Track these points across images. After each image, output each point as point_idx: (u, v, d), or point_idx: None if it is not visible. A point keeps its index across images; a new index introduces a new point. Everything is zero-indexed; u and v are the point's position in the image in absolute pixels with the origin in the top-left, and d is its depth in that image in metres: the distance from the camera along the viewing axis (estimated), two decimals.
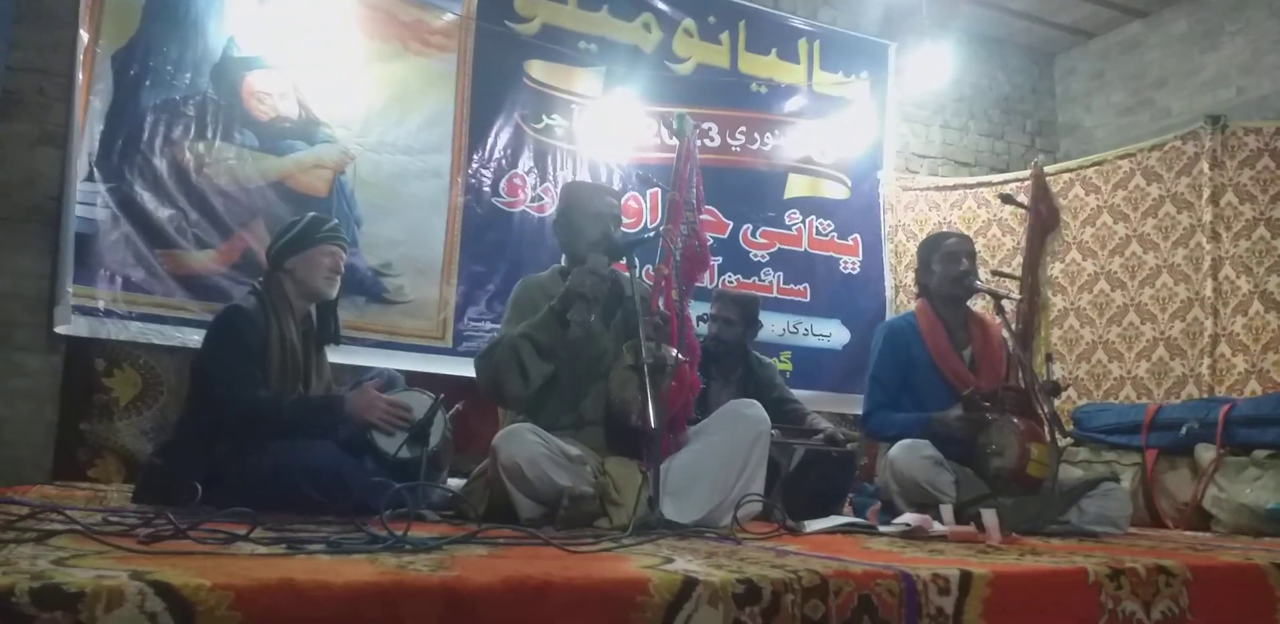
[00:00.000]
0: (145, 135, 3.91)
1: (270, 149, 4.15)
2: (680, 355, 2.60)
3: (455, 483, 2.84)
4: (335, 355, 3.18)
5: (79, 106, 3.78)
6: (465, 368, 4.01)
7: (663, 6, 5.14)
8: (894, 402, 3.32)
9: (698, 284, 3.09)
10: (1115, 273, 4.97)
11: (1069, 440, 4.34)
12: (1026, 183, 5.27)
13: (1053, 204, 3.76)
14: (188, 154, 3.97)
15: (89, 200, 3.76)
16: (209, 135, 4.03)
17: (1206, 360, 4.49)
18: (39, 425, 3.69)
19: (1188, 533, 3.64)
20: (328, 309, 2.97)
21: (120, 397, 3.77)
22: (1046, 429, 3.03)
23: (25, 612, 1.08)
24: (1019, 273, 3.67)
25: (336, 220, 2.99)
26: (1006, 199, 3.66)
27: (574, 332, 2.63)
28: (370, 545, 1.65)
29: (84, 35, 3.83)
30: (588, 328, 2.65)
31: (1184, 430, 3.98)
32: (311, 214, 2.99)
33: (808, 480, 3.17)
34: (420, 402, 2.78)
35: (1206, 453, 3.89)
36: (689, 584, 1.40)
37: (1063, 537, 2.83)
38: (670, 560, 1.65)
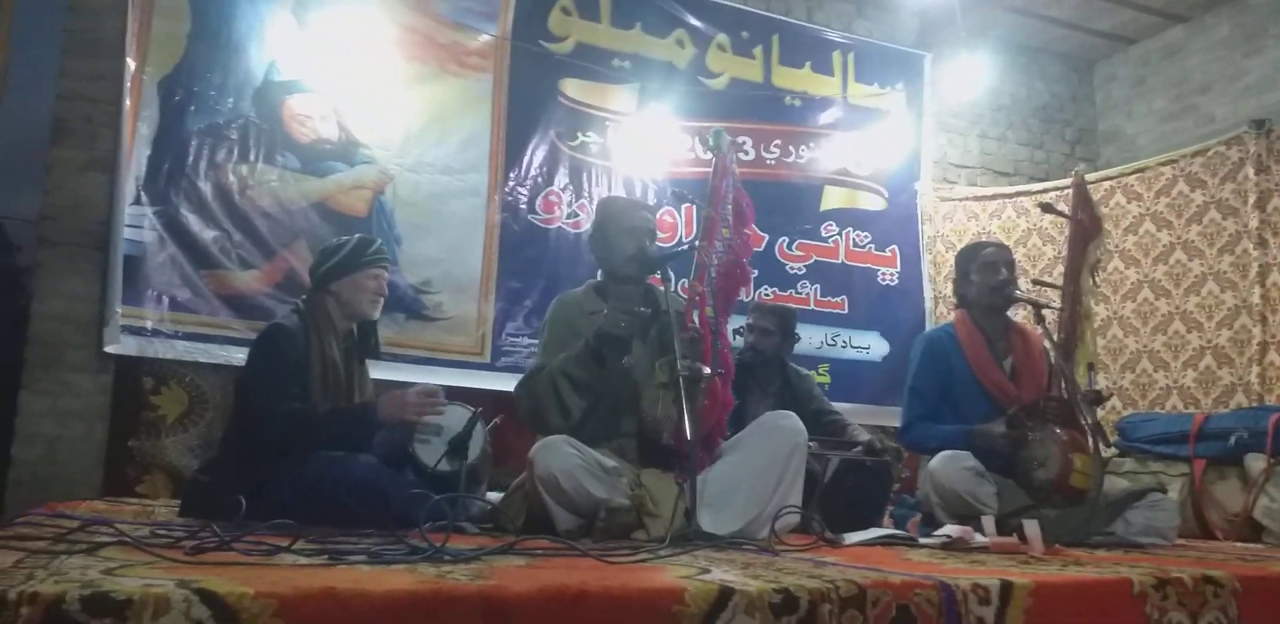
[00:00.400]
0: (190, 159, 3.99)
1: (311, 171, 4.22)
2: (714, 370, 2.60)
3: (494, 497, 2.86)
4: (376, 371, 3.23)
5: (126, 133, 3.88)
6: (504, 383, 4.08)
7: (696, 22, 5.17)
8: (934, 413, 3.29)
9: (737, 299, 3.08)
10: (1159, 281, 4.90)
11: (1113, 450, 4.28)
12: (1067, 191, 5.21)
13: (1094, 212, 3.72)
14: (231, 177, 4.05)
15: (136, 223, 3.85)
16: (251, 158, 4.11)
17: (1255, 368, 4.41)
18: (90, 444, 3.77)
19: (1238, 544, 3.57)
20: (368, 324, 3.02)
21: (167, 414, 3.85)
22: (1090, 440, 2.99)
23: (76, 618, 1.11)
24: (1060, 282, 3.63)
25: (380, 240, 3.04)
26: (1047, 208, 3.62)
27: (610, 366, 2.65)
28: (410, 556, 1.67)
29: (131, 63, 3.93)
30: (627, 365, 2.68)
31: (1233, 440, 3.90)
32: (358, 236, 3.03)
33: (844, 491, 3.15)
34: (459, 416, 2.81)
35: (1256, 463, 3.82)
36: (725, 594, 1.41)
37: (1108, 548, 2.79)
38: (707, 571, 1.65)
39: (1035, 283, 3.78)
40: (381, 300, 2.97)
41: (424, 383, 3.21)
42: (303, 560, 1.62)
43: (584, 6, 4.90)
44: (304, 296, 2.97)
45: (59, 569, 1.37)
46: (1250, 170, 4.57)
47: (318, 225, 4.16)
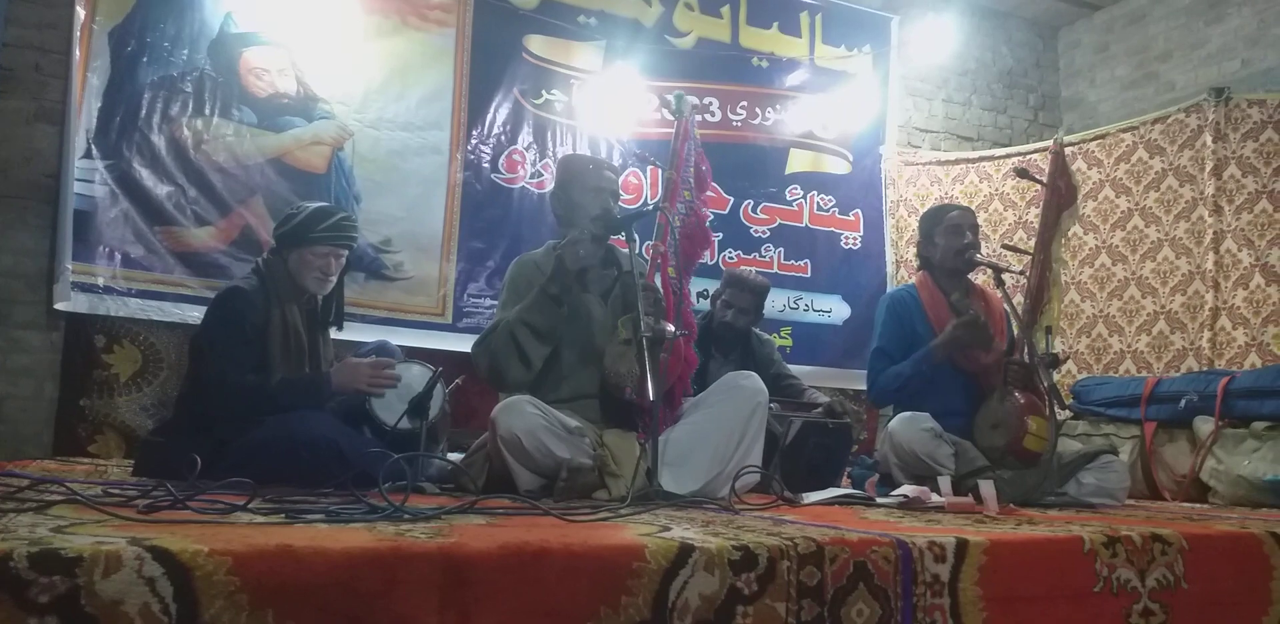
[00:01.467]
0: (143, 112, 3.90)
1: (268, 126, 4.14)
2: (678, 330, 2.60)
3: (455, 457, 2.85)
4: (335, 332, 3.18)
5: (76, 83, 3.77)
6: (465, 344, 4.00)
7: None
8: None
9: (699, 261, 3.08)
10: (1117, 247, 4.96)
11: (1068, 413, 4.35)
12: (1030, 157, 5.25)
13: (1071, 180, 3.75)
14: (186, 131, 3.96)
15: (87, 177, 3.76)
16: (207, 112, 4.02)
17: (1207, 333, 4.49)
18: (40, 402, 3.71)
19: (1185, 505, 3.66)
20: (334, 290, 2.95)
21: (120, 373, 3.79)
22: (1046, 402, 3.03)
23: (24, 576, 1.09)
24: (1026, 247, 3.65)
25: (342, 215, 2.86)
26: (1022, 173, 3.62)
27: (570, 312, 2.63)
28: (369, 515, 1.66)
29: (80, 12, 3.81)
30: (583, 309, 2.66)
31: (1183, 403, 3.98)
32: (315, 205, 2.88)
33: (805, 452, 3.18)
34: (419, 374, 2.79)
35: (1205, 425, 3.90)
36: (685, 551, 1.41)
37: (1060, 508, 2.84)
38: (667, 529, 1.66)
39: (1005, 247, 3.79)
40: (330, 280, 2.83)
41: (380, 340, 3.20)
42: (259, 519, 1.60)
43: None
44: (264, 256, 2.90)
45: (6, 527, 1.34)
46: (1208, 138, 4.61)
47: (274, 182, 4.09)
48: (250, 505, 1.72)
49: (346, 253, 2.87)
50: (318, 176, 4.19)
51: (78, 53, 3.79)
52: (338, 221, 2.81)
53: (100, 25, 3.87)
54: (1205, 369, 4.35)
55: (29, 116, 3.79)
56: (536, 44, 4.76)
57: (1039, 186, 3.89)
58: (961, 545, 1.65)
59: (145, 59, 3.93)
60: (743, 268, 4.48)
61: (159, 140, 3.91)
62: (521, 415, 2.40)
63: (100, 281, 3.73)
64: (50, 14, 3.83)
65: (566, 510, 1.88)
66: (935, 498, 2.56)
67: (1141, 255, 4.86)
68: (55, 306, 3.67)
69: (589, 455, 2.41)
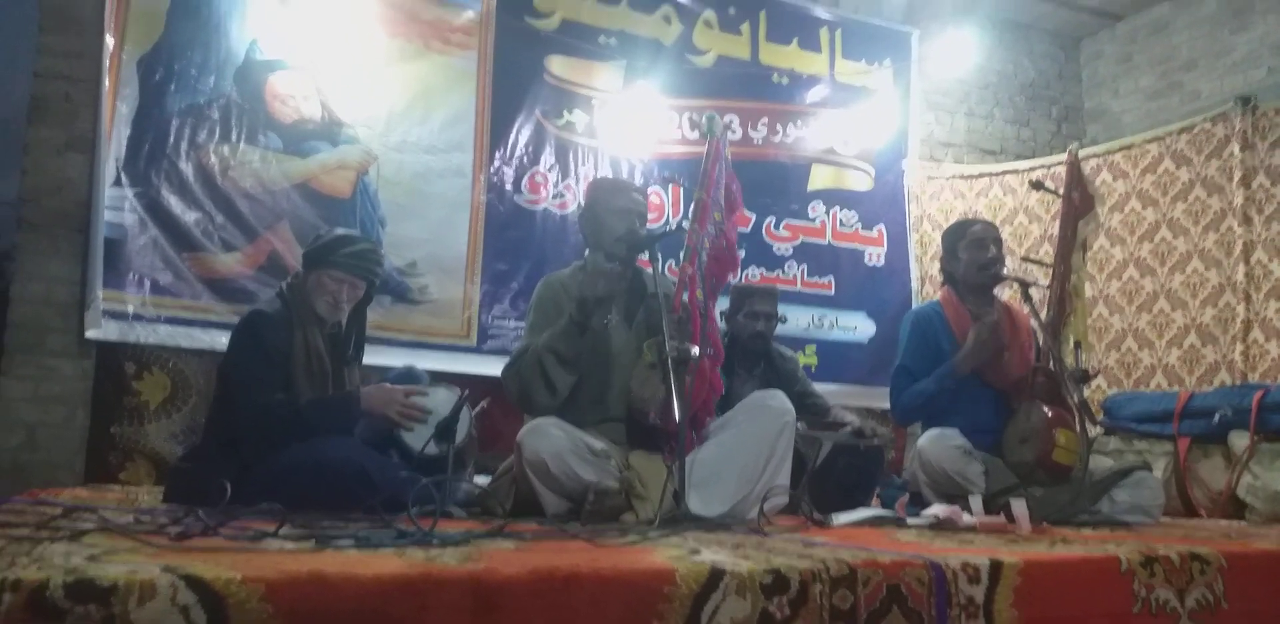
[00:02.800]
0: (171, 139, 3.94)
1: (294, 151, 4.18)
2: (703, 352, 2.59)
3: (482, 480, 2.85)
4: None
5: (106, 112, 3.83)
6: (490, 366, 4.05)
7: None
8: None
9: (726, 283, 3.07)
10: (1144, 259, 4.91)
11: (1099, 429, 4.30)
12: (1054, 169, 5.21)
13: (1086, 190, 3.73)
14: (213, 157, 4.00)
15: (117, 205, 3.81)
16: (233, 138, 4.06)
17: (1239, 346, 4.42)
18: (71, 429, 3.74)
19: (1222, 522, 3.60)
20: (355, 322, 2.95)
21: (150, 400, 3.82)
22: (1076, 418, 3.00)
23: (60, 605, 1.10)
24: (1048, 260, 3.63)
25: (363, 244, 2.84)
26: (1037, 185, 3.61)
27: (595, 336, 2.63)
28: (398, 540, 1.66)
29: (110, 41, 3.87)
30: (610, 326, 2.66)
31: (1217, 418, 3.92)
32: (339, 231, 2.88)
33: (835, 474, 3.15)
34: (445, 398, 2.79)
35: (1240, 440, 3.84)
36: (716, 574, 1.41)
37: (1094, 526, 2.80)
38: (697, 552, 1.65)
39: (1025, 260, 3.77)
40: (341, 307, 2.80)
41: (408, 364, 3.21)
42: (289, 545, 1.60)
43: None
44: (288, 280, 2.91)
45: (42, 556, 1.35)
46: (1236, 147, 4.57)
47: (301, 207, 4.13)
48: (280, 531, 1.73)
49: (365, 286, 2.86)
50: (343, 201, 4.22)
51: (107, 82, 3.84)
52: (360, 250, 2.80)
53: (129, 54, 3.92)
54: (1239, 383, 4.29)
55: (60, 146, 3.85)
56: (557, 65, 4.79)
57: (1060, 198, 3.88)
58: (996, 566, 1.63)
59: (173, 87, 3.98)
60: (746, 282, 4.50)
61: (187, 167, 3.95)
62: (547, 438, 2.40)
63: (130, 309, 3.76)
64: (80, 43, 3.89)
65: (595, 534, 1.87)
66: (967, 517, 2.53)
67: (1170, 267, 4.80)
68: (86, 335, 3.71)
69: (615, 478, 2.40)
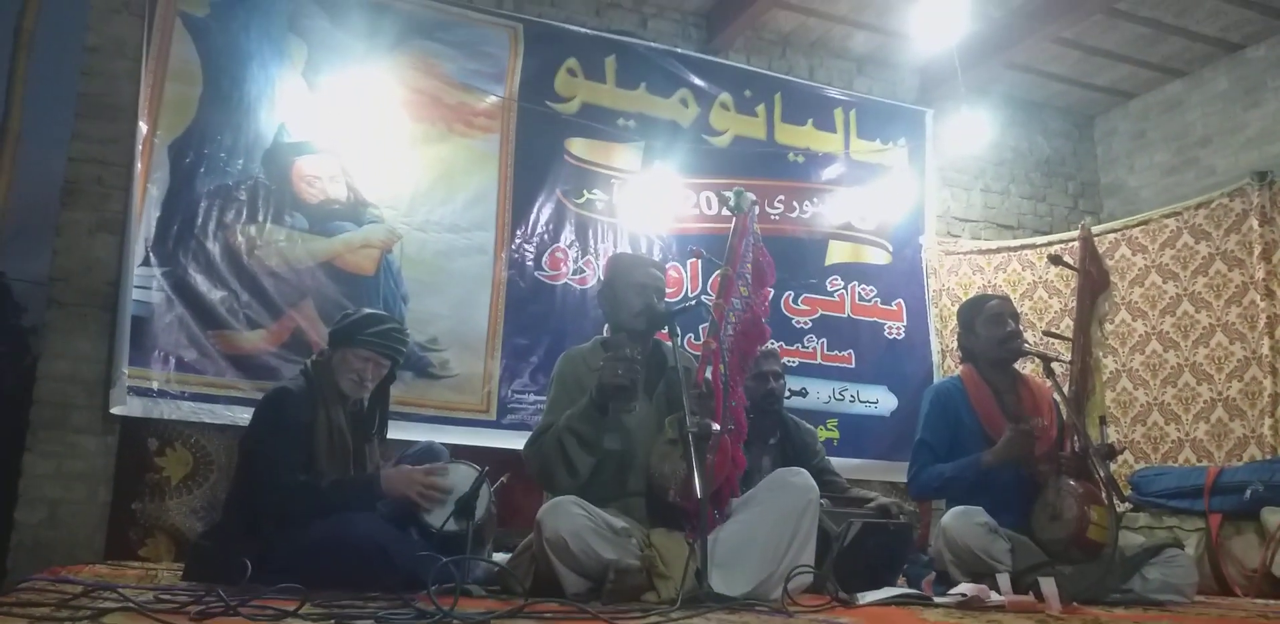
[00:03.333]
0: (199, 220, 4.03)
1: (319, 231, 4.25)
2: (723, 427, 2.58)
3: (501, 558, 2.82)
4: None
5: (137, 194, 3.92)
6: (509, 441, 4.06)
7: (699, 82, 5.25)
8: (942, 463, 3.25)
9: (754, 357, 3.07)
10: (1167, 333, 4.89)
11: (1128, 505, 4.23)
12: (1072, 244, 5.23)
13: (1102, 265, 3.75)
14: (240, 237, 4.08)
15: (145, 284, 3.88)
16: (260, 219, 4.15)
17: (1268, 420, 4.37)
18: (93, 506, 3.74)
19: (1258, 601, 3.51)
20: (378, 399, 2.98)
21: (172, 476, 3.83)
22: (1104, 493, 2.96)
23: None
24: (1068, 334, 3.63)
25: (391, 325, 2.91)
26: (1055, 260, 3.63)
27: (616, 420, 2.63)
28: (417, 620, 1.64)
29: (143, 127, 3.99)
30: (631, 412, 2.66)
31: (1248, 493, 3.86)
32: (370, 311, 2.97)
33: (864, 553, 3.10)
34: (465, 475, 2.79)
35: (1273, 516, 3.76)
36: None
37: (1126, 606, 2.74)
38: None
39: (1045, 334, 3.77)
40: (366, 385, 2.86)
41: (428, 441, 3.21)
42: None
43: (589, 68, 4.99)
44: (313, 358, 2.95)
45: None
46: (1254, 222, 4.59)
47: (325, 285, 4.19)
48: (301, 611, 1.71)
49: (389, 364, 2.90)
50: (367, 279, 4.28)
51: (139, 165, 3.95)
52: (386, 330, 2.86)
53: (161, 139, 4.04)
54: (1269, 457, 4.23)
55: (90, 228, 3.94)
56: (578, 146, 4.90)
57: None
58: None
59: (203, 169, 4.09)
60: None
61: (214, 247, 4.03)
62: (567, 517, 2.38)
63: (155, 385, 3.80)
64: (114, 129, 4.02)
65: (616, 614, 1.85)
66: (995, 596, 2.49)
67: (1194, 341, 4.78)
68: (111, 411, 3.74)
69: (636, 556, 2.37)
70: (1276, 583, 3.70)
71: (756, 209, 5.08)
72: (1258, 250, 4.55)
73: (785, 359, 4.96)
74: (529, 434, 2.78)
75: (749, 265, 2.91)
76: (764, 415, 3.73)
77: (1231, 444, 4.54)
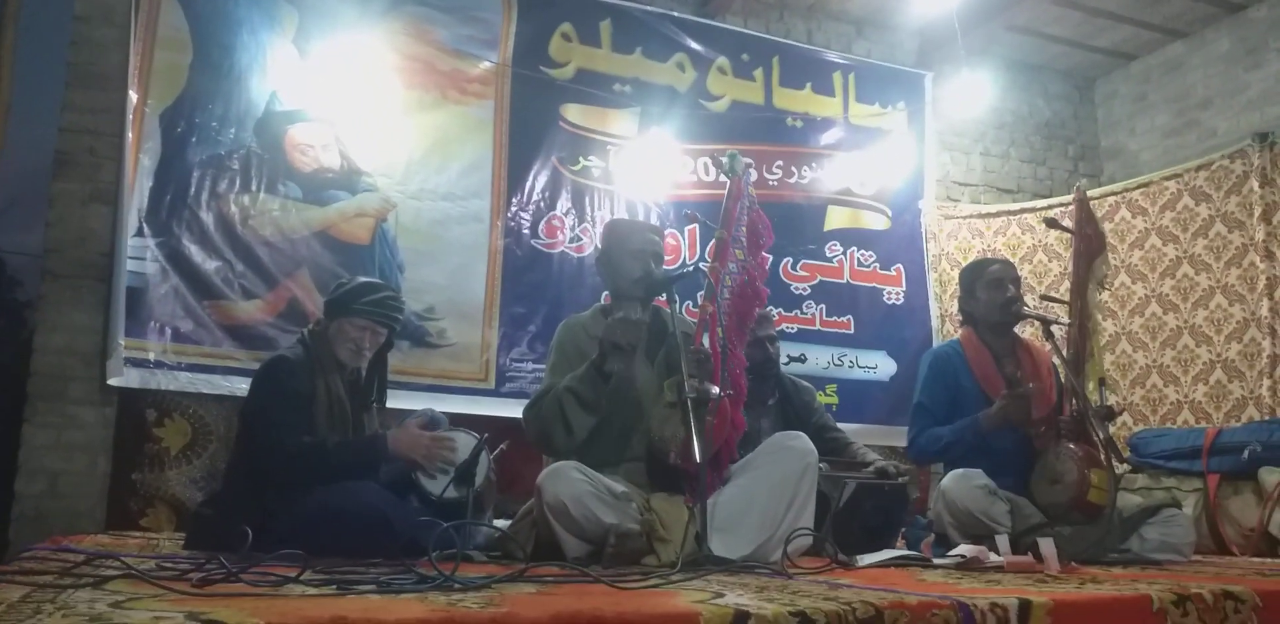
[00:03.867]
0: (192, 190, 4.00)
1: (314, 200, 4.22)
2: (723, 391, 2.58)
3: (501, 524, 2.83)
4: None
5: (129, 165, 3.89)
6: (508, 409, 4.06)
7: (696, 46, 5.19)
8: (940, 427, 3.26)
9: (752, 320, 3.06)
10: (1167, 295, 4.88)
11: (1126, 467, 4.24)
12: (1070, 207, 5.20)
13: (1098, 227, 3.74)
14: (233, 207, 4.05)
15: (139, 255, 3.86)
16: (253, 188, 4.11)
17: (1266, 382, 4.38)
18: (93, 477, 3.75)
19: (1255, 559, 3.53)
20: (376, 367, 2.97)
21: (170, 446, 3.83)
22: (1103, 455, 2.96)
23: None
24: (1066, 298, 3.63)
25: (387, 293, 2.91)
26: (1051, 223, 3.62)
27: (617, 377, 2.63)
28: (420, 585, 1.64)
29: (133, 96, 3.95)
30: (629, 374, 2.66)
31: (1246, 454, 3.88)
32: (365, 279, 2.96)
33: (860, 515, 3.11)
34: (464, 442, 2.79)
35: (1271, 476, 3.79)
36: (740, 617, 1.38)
37: (1124, 565, 2.75)
38: (721, 595, 1.63)
39: (1043, 298, 3.77)
40: (363, 354, 2.85)
41: (427, 408, 3.20)
42: (311, 591, 1.59)
43: (584, 32, 4.93)
44: (310, 327, 2.94)
45: (66, 603, 1.35)
46: (1255, 183, 4.56)
47: (320, 254, 4.16)
48: (302, 577, 1.72)
49: (386, 332, 2.89)
50: (362, 248, 4.26)
51: (130, 135, 3.91)
52: (382, 298, 2.86)
53: (152, 108, 4.00)
54: (1267, 418, 4.24)
55: (83, 198, 3.91)
56: (573, 113, 4.85)
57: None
58: (1025, 606, 1.60)
59: (194, 139, 4.05)
60: None
61: (208, 217, 4.00)
62: (568, 481, 2.39)
63: (151, 356, 3.79)
64: (104, 99, 3.97)
65: (617, 577, 1.85)
66: (994, 557, 2.50)
67: (1193, 303, 4.77)
68: (108, 382, 3.73)
69: (636, 520, 2.38)
70: (1273, 542, 3.73)
71: (753, 173, 5.13)
72: (1258, 212, 4.53)
73: (784, 325, 4.99)
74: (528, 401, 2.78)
75: (744, 229, 2.88)
76: (763, 380, 3.72)
77: (1230, 405, 4.55)
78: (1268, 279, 4.45)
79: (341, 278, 3.16)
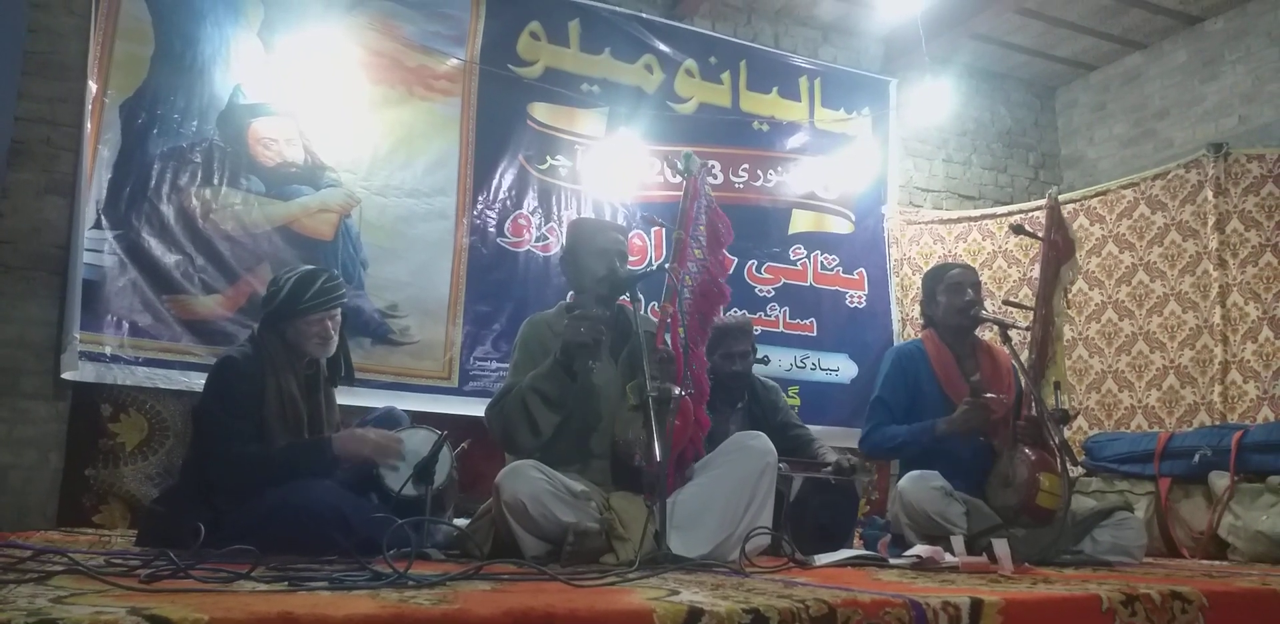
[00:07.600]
0: (152, 183, 3.95)
1: (276, 194, 4.18)
2: (684, 391, 2.58)
3: (462, 523, 2.82)
4: (342, 397, 3.17)
5: (87, 156, 3.83)
6: (471, 407, 4.04)
7: (664, 48, 5.20)
8: (897, 424, 3.28)
9: (714, 319, 3.07)
10: (1123, 302, 4.96)
11: (1080, 470, 4.30)
12: (1032, 214, 5.27)
13: (1068, 234, 3.79)
14: (194, 200, 4.00)
15: (96, 248, 3.79)
16: (215, 181, 4.07)
17: (1217, 388, 4.46)
18: (44, 472, 3.68)
19: (1204, 562, 3.59)
20: (339, 350, 2.95)
21: (126, 442, 3.77)
22: (1058, 459, 3.00)
23: None
24: (1029, 303, 3.67)
25: (325, 276, 2.85)
26: (1018, 230, 3.65)
27: (580, 376, 2.63)
28: (373, 582, 1.63)
29: (93, 86, 3.89)
30: (594, 370, 2.66)
31: (1197, 458, 3.94)
32: (296, 275, 2.84)
33: (809, 510, 3.14)
34: (424, 439, 2.78)
35: (1220, 480, 3.85)
36: (694, 615, 1.39)
37: (1077, 567, 2.79)
38: (676, 592, 1.63)
39: (1006, 303, 3.80)
40: (331, 340, 2.84)
41: (387, 406, 3.18)
42: (262, 587, 1.58)
43: (553, 31, 4.92)
44: (258, 326, 2.89)
45: (6, 598, 1.33)
46: (1209, 193, 4.64)
47: (282, 249, 4.12)
48: (253, 573, 1.70)
49: (339, 309, 2.87)
50: (325, 243, 4.22)
51: (89, 126, 3.85)
52: (322, 287, 2.80)
53: (112, 98, 3.94)
54: (1218, 424, 4.31)
55: (39, 189, 3.84)
56: (541, 111, 4.84)
57: (1039, 242, 3.91)
58: (976, 605, 1.62)
59: (155, 131, 3.99)
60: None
61: (168, 210, 3.95)
62: (526, 480, 2.38)
63: (108, 350, 3.73)
64: (62, 88, 3.91)
65: (573, 575, 1.85)
66: (949, 558, 2.52)
67: (1148, 310, 4.85)
68: (63, 376, 3.67)
69: (595, 519, 2.38)
70: (1222, 545, 3.80)
71: (719, 176, 5.15)
72: (1211, 221, 4.61)
73: None
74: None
75: (703, 228, 2.90)
76: (735, 388, 3.73)
77: (1182, 411, 4.62)
78: (1220, 287, 4.53)
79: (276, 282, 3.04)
